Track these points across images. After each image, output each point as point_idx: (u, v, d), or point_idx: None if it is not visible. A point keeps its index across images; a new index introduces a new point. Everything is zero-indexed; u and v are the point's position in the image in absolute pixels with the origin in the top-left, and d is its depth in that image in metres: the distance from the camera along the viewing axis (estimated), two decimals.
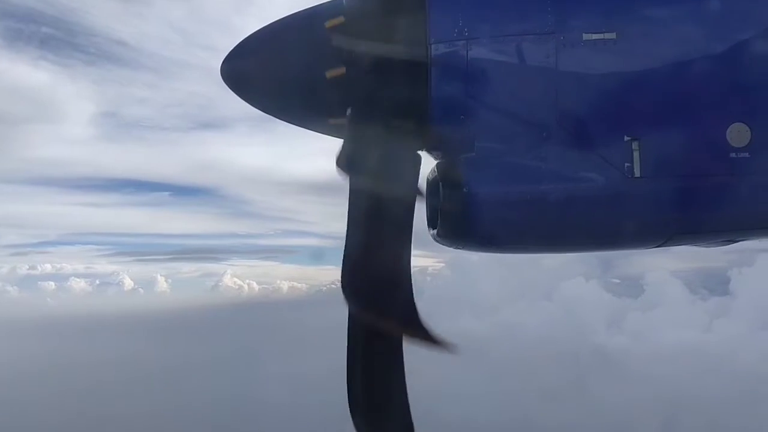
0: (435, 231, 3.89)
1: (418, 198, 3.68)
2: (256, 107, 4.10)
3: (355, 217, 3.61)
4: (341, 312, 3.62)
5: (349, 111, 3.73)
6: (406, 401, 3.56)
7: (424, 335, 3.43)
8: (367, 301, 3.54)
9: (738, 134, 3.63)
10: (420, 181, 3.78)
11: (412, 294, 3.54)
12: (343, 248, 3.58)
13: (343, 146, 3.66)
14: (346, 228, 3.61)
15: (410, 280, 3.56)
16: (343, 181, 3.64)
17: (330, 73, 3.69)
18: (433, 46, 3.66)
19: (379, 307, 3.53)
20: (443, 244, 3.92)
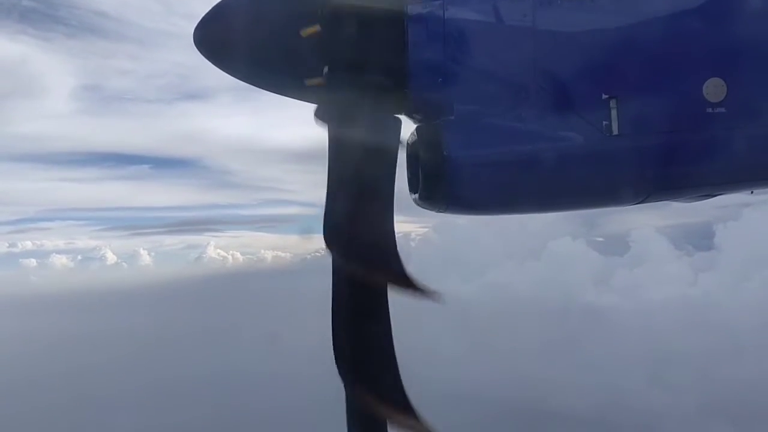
0: (416, 195, 3.90)
1: (398, 162, 3.69)
2: (230, 74, 4.03)
3: (336, 182, 3.59)
4: (326, 279, 3.62)
5: (326, 74, 3.67)
6: (392, 349, 3.57)
7: (409, 284, 3.44)
8: (351, 253, 3.53)
9: (714, 89, 3.68)
10: (400, 145, 3.78)
11: (396, 245, 3.54)
12: (323, 211, 3.57)
13: (323, 110, 3.66)
14: (326, 191, 3.60)
15: (394, 234, 3.56)
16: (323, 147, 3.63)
17: (305, 31, 3.64)
18: (409, 7, 3.64)
19: (364, 257, 3.52)
20: (425, 208, 3.94)
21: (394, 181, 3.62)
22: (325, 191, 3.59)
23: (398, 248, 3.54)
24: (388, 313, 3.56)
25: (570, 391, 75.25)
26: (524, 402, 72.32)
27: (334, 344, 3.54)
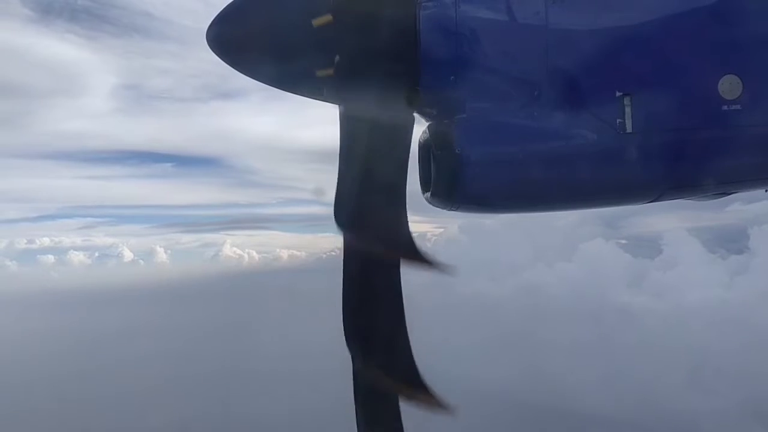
0: (428, 193, 3.98)
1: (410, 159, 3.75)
2: (244, 73, 4.09)
3: (347, 166, 3.65)
4: (341, 278, 3.66)
5: (337, 63, 3.71)
6: (403, 324, 3.60)
7: (420, 257, 3.48)
8: (362, 228, 3.58)
9: (730, 86, 3.73)
10: (412, 143, 3.83)
11: (407, 222, 3.59)
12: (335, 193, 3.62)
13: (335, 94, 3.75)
14: (337, 175, 3.66)
15: (406, 214, 3.60)
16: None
17: (317, 21, 3.68)
18: (422, 5, 3.70)
19: (375, 232, 3.57)
20: (437, 206, 4.01)
21: (406, 177, 3.68)
22: (337, 175, 3.64)
23: (409, 225, 3.58)
24: (400, 287, 3.59)
25: (605, 392, 74.98)
26: (558, 403, 72.12)
27: (344, 319, 3.59)
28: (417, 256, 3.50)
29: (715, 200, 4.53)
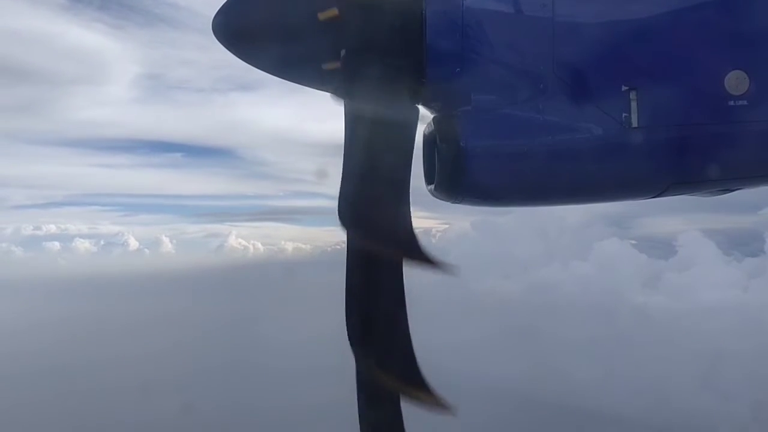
0: (432, 186, 4.03)
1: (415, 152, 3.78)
2: (249, 63, 4.10)
3: (352, 173, 3.68)
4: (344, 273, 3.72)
5: (343, 57, 3.77)
6: (405, 324, 3.64)
7: (423, 257, 3.52)
8: (365, 227, 3.63)
9: (736, 82, 3.75)
10: (417, 135, 3.87)
11: (411, 221, 3.63)
12: (339, 190, 3.66)
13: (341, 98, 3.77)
14: (342, 171, 3.69)
15: (409, 212, 3.65)
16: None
17: (323, 15, 3.73)
18: None
19: (378, 231, 3.63)
20: (441, 199, 4.06)
21: (410, 170, 3.72)
22: (341, 171, 3.68)
23: (413, 224, 3.62)
24: (403, 287, 3.64)
25: (618, 392, 74.94)
26: (571, 402, 72.09)
27: (346, 318, 3.63)
28: (420, 255, 3.54)
29: (738, 202, 4.55)
